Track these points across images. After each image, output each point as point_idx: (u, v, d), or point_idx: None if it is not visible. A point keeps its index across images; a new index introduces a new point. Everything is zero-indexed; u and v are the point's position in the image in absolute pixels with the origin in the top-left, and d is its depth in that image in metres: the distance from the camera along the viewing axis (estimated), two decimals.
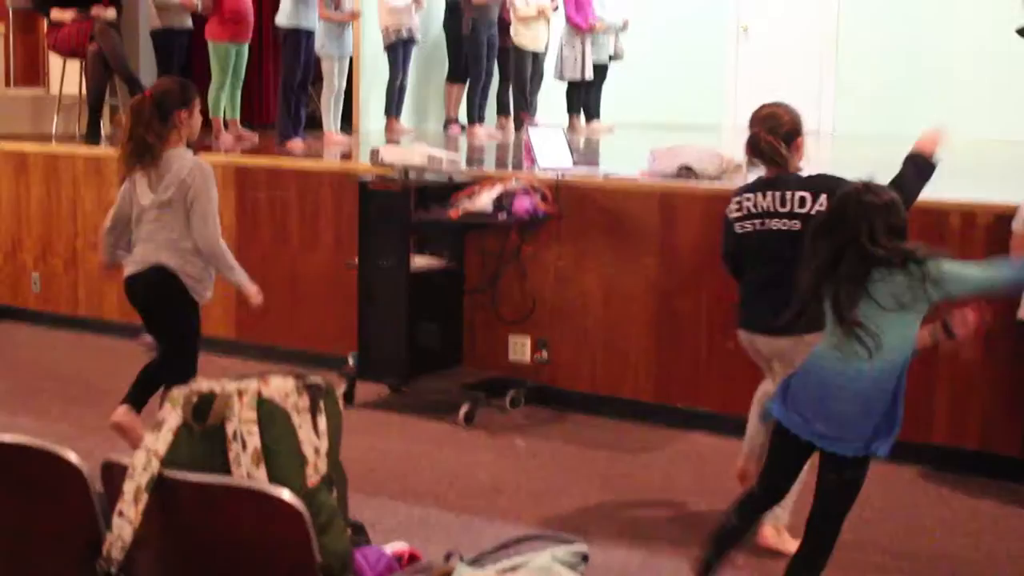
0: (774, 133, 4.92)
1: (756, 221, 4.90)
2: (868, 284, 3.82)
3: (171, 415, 2.80)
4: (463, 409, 6.94)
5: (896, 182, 4.65)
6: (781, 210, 4.83)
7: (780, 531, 5.15)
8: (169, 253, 5.51)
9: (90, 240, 8.97)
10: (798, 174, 4.93)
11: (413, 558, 3.44)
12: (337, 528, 2.85)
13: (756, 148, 4.95)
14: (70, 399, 7.36)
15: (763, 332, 4.94)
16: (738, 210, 4.98)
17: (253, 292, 5.88)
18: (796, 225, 4.75)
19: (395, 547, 3.59)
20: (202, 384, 2.86)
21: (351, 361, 7.28)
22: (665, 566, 5.15)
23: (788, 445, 4.16)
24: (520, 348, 7.37)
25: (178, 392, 2.83)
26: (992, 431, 6.16)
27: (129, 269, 5.64)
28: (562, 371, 7.29)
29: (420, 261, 7.25)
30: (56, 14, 9.71)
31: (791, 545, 4.87)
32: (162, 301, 5.61)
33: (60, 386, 7.68)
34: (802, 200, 4.79)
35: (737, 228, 4.98)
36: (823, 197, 4.69)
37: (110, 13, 9.78)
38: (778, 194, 4.84)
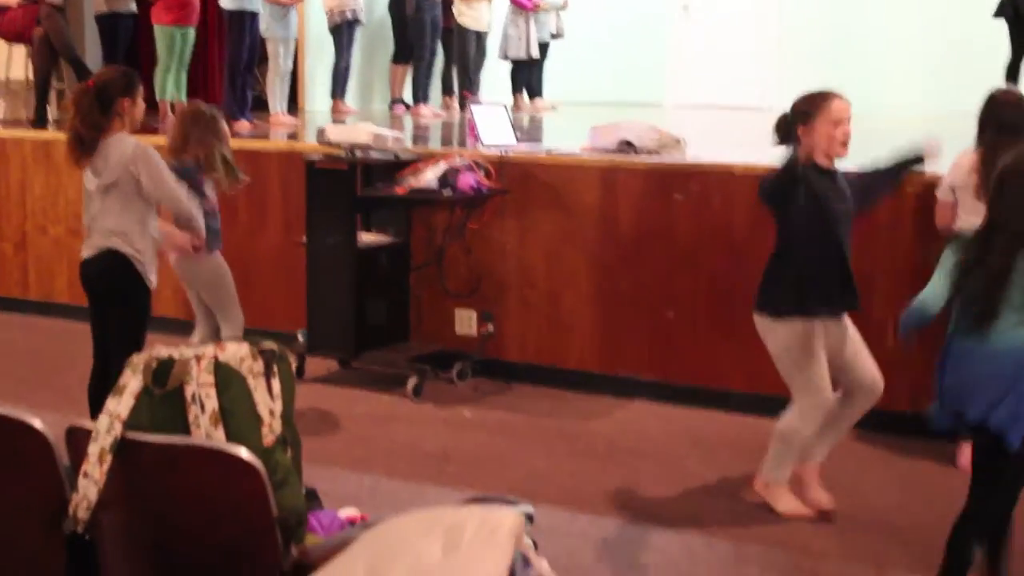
0: None
1: None
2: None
3: (132, 380, 2.94)
4: (411, 382, 7.10)
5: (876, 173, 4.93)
6: None
7: (768, 485, 5.33)
8: (118, 238, 5.56)
9: (39, 223, 9.06)
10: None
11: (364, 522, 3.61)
12: (292, 485, 3.00)
13: None
14: (21, 379, 7.45)
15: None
16: None
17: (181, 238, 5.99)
18: None
19: (347, 512, 3.76)
20: (161, 350, 3.00)
21: (301, 337, 7.42)
22: (608, 526, 5.32)
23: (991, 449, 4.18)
24: (466, 321, 7.53)
25: (138, 358, 2.98)
26: (922, 394, 6.37)
27: (84, 253, 5.72)
28: (508, 343, 7.45)
29: (367, 238, 7.40)
30: None
31: (780, 500, 5.21)
32: (115, 286, 5.65)
33: (11, 367, 7.77)
34: None
35: None
36: None
37: None
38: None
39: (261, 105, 10.75)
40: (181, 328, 8.12)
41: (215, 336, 6.40)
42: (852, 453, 6.05)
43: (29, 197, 9.09)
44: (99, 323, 5.76)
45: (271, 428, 2.98)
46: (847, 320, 5.26)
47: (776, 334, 5.19)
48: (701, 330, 6.95)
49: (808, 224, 5.00)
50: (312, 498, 3.55)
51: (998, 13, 9.94)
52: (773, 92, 13.70)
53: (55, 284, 9.01)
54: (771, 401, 6.65)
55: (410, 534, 1.78)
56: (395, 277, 7.56)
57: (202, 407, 2.90)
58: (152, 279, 5.68)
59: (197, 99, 6.97)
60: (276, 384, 3.04)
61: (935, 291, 4.33)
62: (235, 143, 8.45)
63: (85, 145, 5.50)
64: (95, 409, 5.43)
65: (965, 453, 5.99)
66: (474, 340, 7.47)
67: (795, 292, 5.10)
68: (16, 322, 9.00)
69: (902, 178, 5.54)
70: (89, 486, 2.86)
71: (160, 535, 2.95)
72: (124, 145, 5.48)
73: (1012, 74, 9.73)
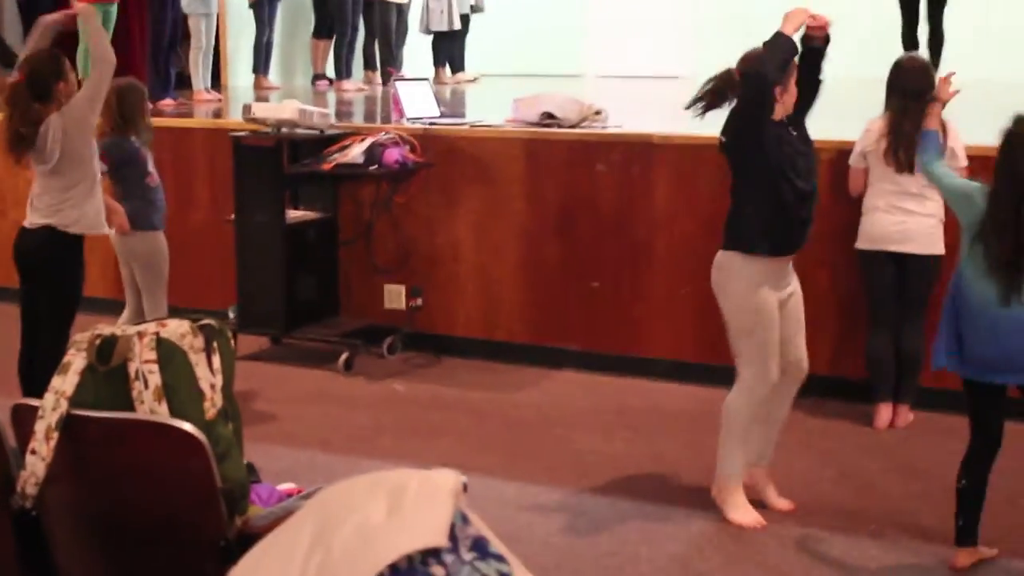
0: None
1: None
2: None
3: (76, 358, 3.02)
4: (342, 357, 7.19)
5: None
6: None
7: (720, 488, 5.16)
8: (54, 212, 5.60)
9: None
10: None
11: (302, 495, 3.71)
12: (235, 457, 3.09)
13: None
14: None
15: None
16: None
17: None
18: None
19: (285, 487, 3.87)
20: (103, 328, 3.08)
21: (231, 315, 7.48)
22: (539, 493, 5.45)
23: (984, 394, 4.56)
24: (395, 296, 7.62)
25: (81, 336, 3.06)
26: (841, 358, 6.57)
27: (25, 223, 5.73)
28: (437, 317, 7.56)
29: (295, 214, 7.47)
30: None
31: (731, 506, 5.10)
32: (48, 259, 5.67)
33: None
34: None
35: None
36: None
37: None
38: None
39: (184, 82, 10.74)
40: (109, 308, 8.18)
41: (141, 316, 6.43)
42: None
43: None
44: (28, 302, 5.79)
45: (213, 402, 3.07)
46: (797, 283, 5.20)
47: (740, 276, 5.00)
48: (625, 299, 7.09)
49: (779, 159, 4.95)
50: (251, 472, 3.64)
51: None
52: (690, 61, 13.90)
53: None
54: (693, 368, 6.86)
55: (355, 497, 1.87)
56: (324, 253, 7.64)
57: (145, 383, 2.98)
58: (106, 228, 5.85)
59: (128, 76, 6.95)
60: (216, 359, 3.12)
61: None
62: (160, 121, 8.52)
63: (26, 141, 5.51)
64: (27, 389, 5.51)
65: (882, 415, 6.20)
66: (403, 314, 7.56)
67: (766, 229, 4.98)
68: None
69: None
70: (37, 462, 2.94)
71: (106, 508, 3.04)
72: (52, 124, 5.49)
73: (910, 43, 9.94)
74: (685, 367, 6.92)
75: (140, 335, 3.02)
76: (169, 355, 3.02)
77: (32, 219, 5.68)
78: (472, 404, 6.67)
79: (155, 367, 2.99)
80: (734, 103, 5.00)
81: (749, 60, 4.97)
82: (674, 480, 5.56)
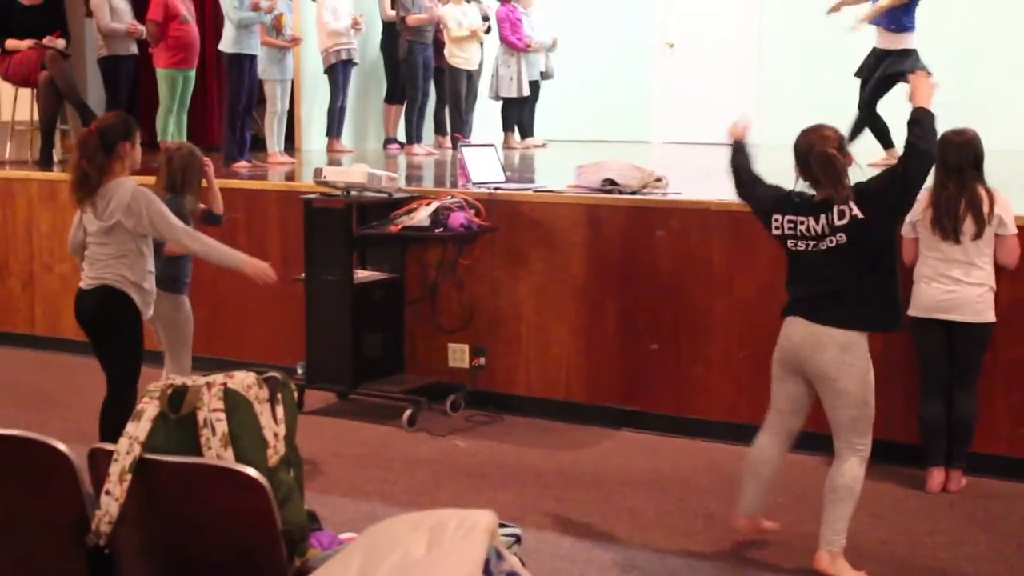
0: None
1: None
2: None
3: (149, 406, 3.23)
4: (406, 413, 7.37)
5: (907, 149, 5.02)
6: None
7: (835, 557, 5.23)
8: (114, 273, 5.83)
9: (45, 261, 9.35)
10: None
11: None
12: (296, 502, 3.29)
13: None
14: (33, 409, 7.73)
15: None
16: None
17: (262, 267, 6.16)
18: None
19: (346, 536, 4.05)
20: (175, 379, 3.30)
21: (300, 371, 7.71)
22: (592, 548, 5.58)
23: None
24: (459, 355, 7.81)
25: (154, 386, 3.27)
26: (892, 422, 6.66)
27: (81, 285, 5.98)
28: (498, 376, 7.74)
29: (363, 274, 7.69)
30: (11, 43, 10.09)
31: (847, 572, 5.17)
32: (109, 318, 5.92)
33: (22, 399, 8.04)
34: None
35: None
36: None
37: (60, 43, 10.18)
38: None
39: (259, 145, 11.06)
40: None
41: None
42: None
43: (36, 235, 9.38)
44: (100, 355, 6.04)
45: (275, 450, 3.27)
46: None
47: (865, 355, 5.10)
48: (683, 361, 7.23)
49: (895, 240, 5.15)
50: (313, 519, 3.83)
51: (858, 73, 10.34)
52: (754, 128, 14.05)
53: (61, 320, 9.28)
54: (748, 429, 6.94)
55: (399, 533, 2.05)
56: (390, 312, 7.85)
57: (213, 430, 3.19)
58: (148, 312, 5.99)
59: (188, 142, 7.25)
60: (280, 410, 3.33)
61: None
62: (235, 183, 8.82)
63: (90, 185, 5.77)
64: (105, 434, 5.75)
65: (935, 479, 6.29)
66: (466, 373, 7.75)
67: (895, 305, 5.15)
68: (24, 357, 9.27)
69: None
70: (111, 503, 3.14)
71: (174, 547, 3.23)
72: (124, 189, 5.75)
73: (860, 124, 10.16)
74: (741, 428, 7.01)
75: (209, 385, 3.23)
76: (235, 405, 3.22)
77: (90, 278, 5.91)
78: (530, 461, 6.82)
79: (222, 416, 3.20)
80: (883, 182, 5.06)
81: (925, 138, 5.00)
82: (725, 539, 5.67)
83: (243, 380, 3.26)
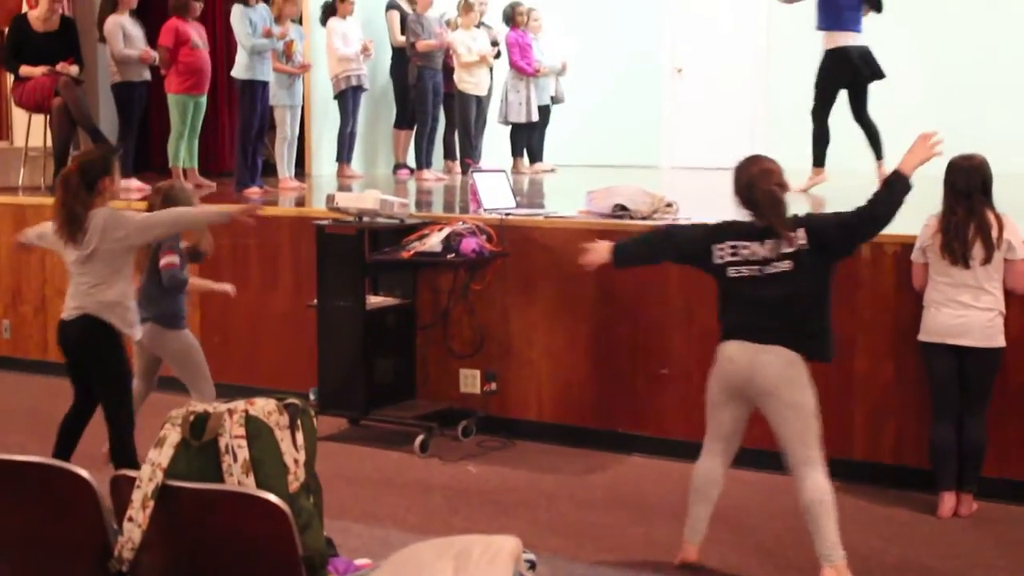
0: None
1: None
2: None
3: (171, 433, 3.27)
4: (418, 439, 7.40)
5: (867, 207, 5.23)
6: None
7: (840, 570, 5.21)
8: (93, 301, 5.95)
9: (58, 287, 9.36)
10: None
11: None
12: (315, 527, 3.32)
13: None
14: (46, 436, 7.75)
15: None
16: None
17: (247, 208, 6.48)
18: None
19: (361, 562, 4.09)
20: (196, 406, 3.33)
21: (312, 396, 7.74)
22: (606, 572, 5.61)
23: None
24: (470, 380, 7.83)
25: (176, 412, 3.31)
26: (903, 447, 6.69)
27: (63, 316, 6.10)
28: (510, 401, 7.76)
29: (375, 300, 7.73)
30: (25, 70, 10.15)
31: None
32: (92, 348, 6.05)
33: (35, 425, 8.05)
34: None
35: None
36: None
37: (74, 69, 10.24)
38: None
39: (269, 170, 11.11)
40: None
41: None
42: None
43: (48, 261, 9.40)
44: (77, 377, 6.23)
45: (296, 476, 3.31)
46: None
47: (806, 381, 5.25)
48: (694, 385, 7.23)
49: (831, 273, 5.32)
50: (329, 545, 3.87)
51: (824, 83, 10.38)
52: (763, 152, 14.09)
53: None
54: (758, 455, 6.97)
55: (425, 559, 2.08)
56: (402, 337, 7.88)
57: (234, 457, 3.23)
58: (135, 332, 6.18)
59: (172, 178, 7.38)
60: (300, 436, 3.37)
61: None
62: None
63: (78, 223, 5.88)
64: (61, 443, 6.19)
65: (946, 504, 6.30)
66: (478, 398, 7.77)
67: (827, 338, 5.32)
68: (37, 383, 9.27)
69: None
70: (133, 529, 3.18)
71: (196, 573, 3.27)
72: (98, 217, 5.88)
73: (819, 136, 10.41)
74: (753, 453, 7.02)
75: (231, 412, 3.27)
76: (257, 431, 3.26)
77: (71, 308, 6.02)
78: (543, 487, 6.84)
79: (244, 442, 3.24)
80: (833, 225, 5.29)
81: (887, 205, 5.23)
82: (741, 565, 5.69)
83: (264, 407, 3.30)
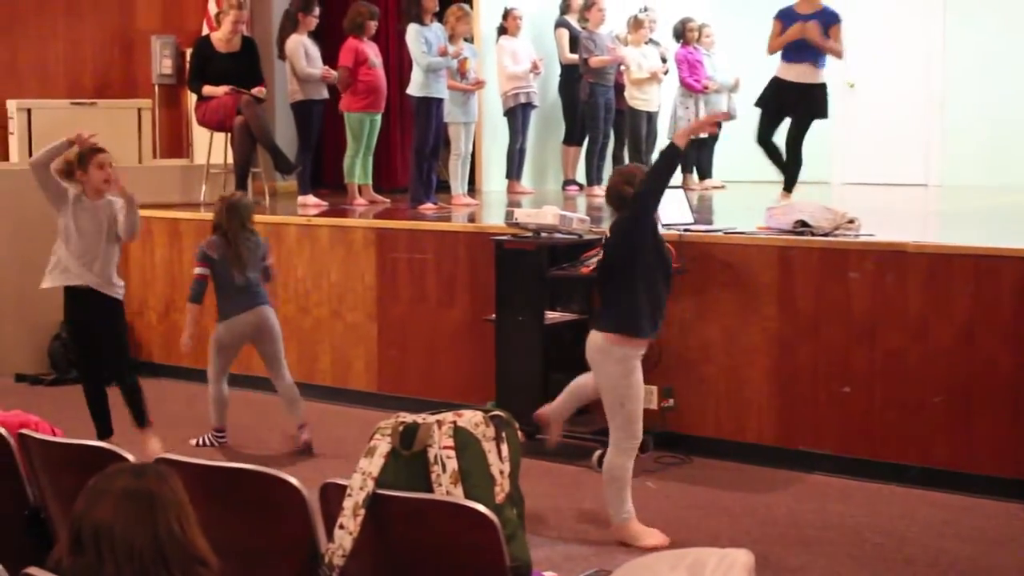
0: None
1: None
2: None
3: (382, 443, 3.32)
4: (595, 454, 7.38)
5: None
6: None
7: (625, 524, 6.12)
8: (94, 277, 7.26)
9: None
10: None
11: None
12: (520, 539, 3.35)
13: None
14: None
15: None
16: None
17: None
18: None
19: (546, 575, 4.11)
20: (406, 417, 3.38)
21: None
22: None
23: None
24: (647, 396, 7.76)
25: (386, 423, 3.36)
26: None
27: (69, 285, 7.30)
28: (687, 417, 7.72)
29: (552, 315, 7.75)
30: (208, 89, 10.40)
31: (642, 535, 6.06)
32: (101, 311, 7.33)
33: (189, 430, 8.22)
34: None
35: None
36: None
37: (262, 91, 10.47)
38: None
39: (441, 187, 11.22)
40: (373, 401, 8.65)
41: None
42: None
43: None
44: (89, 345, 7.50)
45: (502, 487, 3.34)
46: None
47: (617, 358, 5.99)
48: (877, 404, 7.14)
49: (653, 251, 6.02)
50: None
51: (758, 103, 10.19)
52: (937, 169, 13.86)
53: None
54: (944, 475, 6.85)
55: (659, 569, 2.08)
56: (579, 352, 7.86)
57: (443, 467, 3.27)
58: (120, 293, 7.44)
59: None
60: (505, 448, 3.40)
61: None
62: (423, 224, 8.99)
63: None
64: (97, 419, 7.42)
65: None
66: (655, 414, 7.73)
67: (638, 314, 6.00)
68: (187, 390, 9.44)
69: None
70: (344, 536, 3.23)
71: None
72: (111, 206, 7.22)
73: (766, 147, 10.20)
74: (936, 474, 6.93)
75: (439, 423, 3.31)
76: (465, 443, 3.30)
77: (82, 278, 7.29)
78: (723, 504, 6.79)
79: (452, 453, 3.28)
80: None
81: (633, 180, 6.09)
82: None
83: (471, 418, 3.34)
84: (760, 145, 10.06)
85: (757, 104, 10.08)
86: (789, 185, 10.03)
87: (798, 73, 9.84)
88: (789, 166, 10.07)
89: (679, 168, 13.00)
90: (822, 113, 9.93)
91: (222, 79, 10.36)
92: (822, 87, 9.90)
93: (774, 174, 13.91)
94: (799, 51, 9.80)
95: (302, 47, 10.58)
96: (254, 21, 11.97)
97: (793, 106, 9.87)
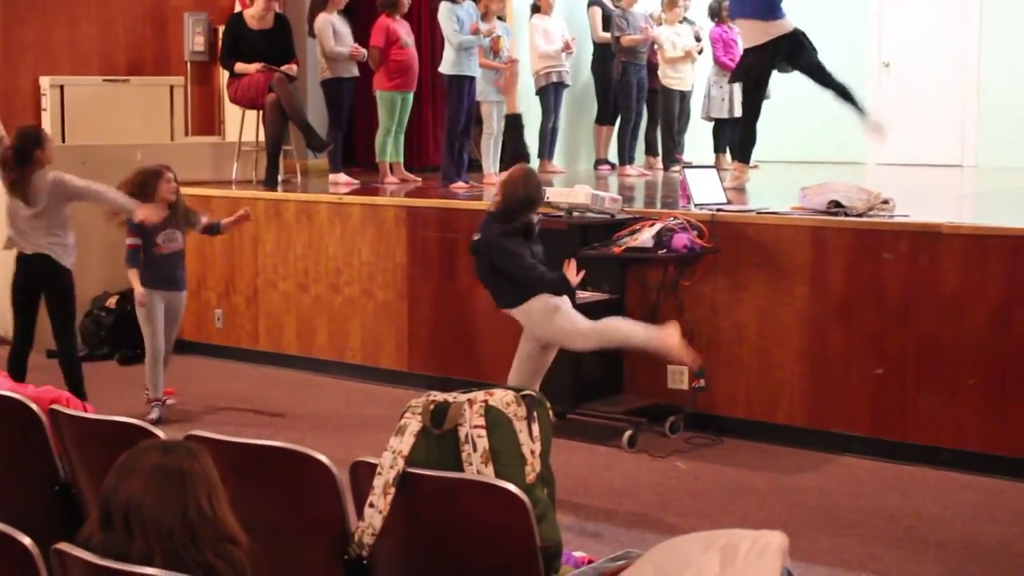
0: None
1: None
2: None
3: (412, 421, 3.31)
4: (626, 434, 7.38)
5: None
6: None
7: None
8: (49, 247, 7.53)
9: (269, 278, 9.62)
10: None
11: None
12: (551, 519, 3.33)
13: None
14: (259, 423, 7.97)
15: None
16: None
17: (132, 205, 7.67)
18: None
19: (579, 555, 4.09)
20: (436, 395, 3.36)
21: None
22: (820, 572, 5.52)
23: None
24: (678, 376, 7.78)
25: (417, 401, 3.35)
26: None
27: (25, 250, 7.60)
28: (718, 398, 7.69)
29: (584, 294, 7.71)
30: (240, 67, 10.40)
31: None
32: (50, 279, 7.61)
33: (245, 413, 8.27)
34: None
35: None
36: None
37: (294, 68, 10.46)
38: None
39: (472, 166, 11.19)
40: (403, 380, 8.65)
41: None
42: None
43: (261, 253, 9.66)
44: (28, 307, 7.78)
45: (533, 467, 3.32)
46: None
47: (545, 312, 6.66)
48: (910, 387, 7.10)
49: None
50: None
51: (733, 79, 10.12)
52: (972, 150, 13.75)
53: (283, 336, 9.54)
54: (977, 458, 6.81)
55: (690, 552, 2.07)
56: None
57: (474, 446, 3.25)
58: (70, 263, 7.67)
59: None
60: (536, 428, 3.38)
61: None
62: (455, 203, 8.96)
63: (17, 186, 7.50)
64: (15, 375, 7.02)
65: None
66: (686, 394, 7.71)
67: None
68: (247, 372, 9.53)
69: None
70: (374, 515, 3.22)
71: (433, 560, 3.30)
72: (44, 180, 7.44)
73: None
74: (968, 456, 6.88)
75: (470, 402, 3.29)
76: (496, 422, 3.28)
77: (31, 247, 7.58)
78: (754, 484, 6.77)
79: (483, 432, 3.26)
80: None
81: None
82: (960, 570, 5.55)
83: (502, 397, 3.32)
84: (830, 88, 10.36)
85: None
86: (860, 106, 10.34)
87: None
88: (848, 93, 10.36)
89: (712, 147, 13.15)
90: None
91: (254, 56, 10.35)
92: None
93: (807, 155, 13.93)
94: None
95: (330, 25, 10.55)
96: None
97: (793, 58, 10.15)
